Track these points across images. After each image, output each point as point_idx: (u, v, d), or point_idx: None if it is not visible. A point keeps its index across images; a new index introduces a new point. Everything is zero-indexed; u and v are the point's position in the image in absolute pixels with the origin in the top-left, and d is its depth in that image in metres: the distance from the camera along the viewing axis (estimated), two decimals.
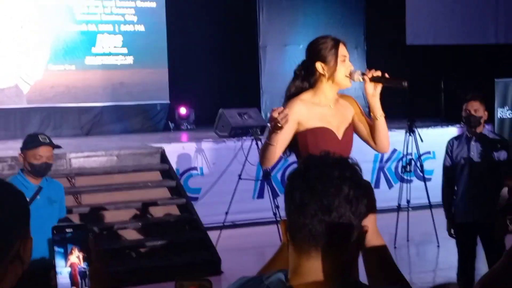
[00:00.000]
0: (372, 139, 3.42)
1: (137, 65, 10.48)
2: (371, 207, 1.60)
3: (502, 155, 5.20)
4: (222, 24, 11.81)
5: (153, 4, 10.62)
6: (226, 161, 8.16)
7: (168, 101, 10.69)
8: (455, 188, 5.34)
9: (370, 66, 10.92)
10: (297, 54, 11.20)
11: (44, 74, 9.97)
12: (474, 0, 11.88)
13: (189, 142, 8.57)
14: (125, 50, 10.46)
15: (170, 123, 10.65)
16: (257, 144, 7.56)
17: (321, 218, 1.46)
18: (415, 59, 11.54)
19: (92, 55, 10.26)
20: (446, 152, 5.36)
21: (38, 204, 4.04)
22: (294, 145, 3.33)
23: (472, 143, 5.21)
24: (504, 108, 9.32)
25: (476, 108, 5.17)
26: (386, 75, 3.33)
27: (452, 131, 8.97)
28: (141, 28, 10.56)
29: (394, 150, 8.72)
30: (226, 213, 7.32)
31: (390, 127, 9.15)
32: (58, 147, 4.36)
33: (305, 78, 3.36)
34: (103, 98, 10.31)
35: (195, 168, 8.18)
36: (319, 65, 3.30)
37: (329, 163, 1.53)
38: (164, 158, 7.72)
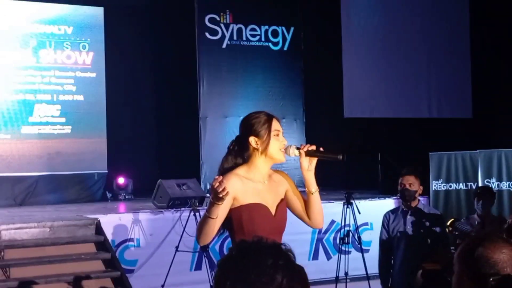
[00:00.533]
0: (306, 214, 3.39)
1: (75, 135, 10.35)
2: None
3: (437, 229, 5.29)
4: (163, 94, 11.87)
5: (93, 75, 10.60)
6: (163, 232, 8.02)
7: (106, 171, 10.54)
8: (392, 261, 5.38)
9: (309, 138, 11.05)
10: (237, 126, 11.25)
11: None
12: (408, 75, 12.32)
13: (126, 213, 8.40)
14: (63, 120, 10.34)
15: (107, 193, 10.48)
16: (195, 215, 7.48)
17: None
18: (353, 132, 11.79)
19: (29, 125, 10.10)
20: (383, 225, 5.42)
21: None
22: (228, 221, 3.25)
23: (408, 217, 5.29)
24: (438, 181, 9.53)
25: (411, 182, 5.28)
26: (321, 149, 3.33)
27: (388, 203, 9.09)
28: (80, 97, 10.49)
29: (333, 222, 8.75)
30: (162, 286, 7.14)
31: (328, 198, 9.21)
32: None
33: (239, 153, 3.34)
34: (38, 168, 10.09)
35: (131, 240, 8.00)
36: (252, 140, 3.29)
37: (262, 251, 1.50)
38: (99, 229, 7.53)
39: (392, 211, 5.49)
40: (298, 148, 3.32)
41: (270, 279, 1.46)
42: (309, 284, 1.63)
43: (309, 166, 3.31)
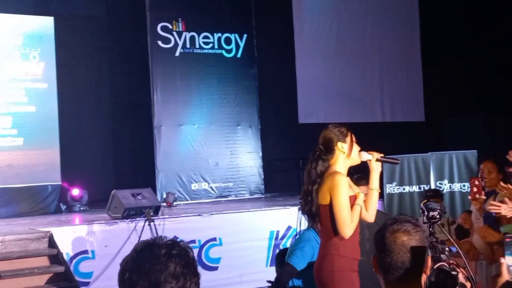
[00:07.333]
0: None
1: (27, 146, 10.17)
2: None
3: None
4: (116, 104, 11.77)
5: (45, 85, 10.44)
6: (119, 243, 7.93)
7: (59, 183, 10.38)
8: None
9: (264, 144, 10.94)
10: (192, 133, 11.27)
11: None
12: (362, 80, 12.48)
13: (80, 225, 8.30)
14: (14, 132, 10.15)
15: (61, 205, 10.32)
16: (149, 225, 7.44)
17: None
18: (308, 138, 11.84)
19: None
20: None
21: None
22: (325, 217, 3.95)
23: None
24: (392, 184, 9.66)
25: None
26: (383, 155, 4.13)
27: None
28: (31, 108, 10.32)
29: (289, 227, 8.78)
30: None
31: (284, 204, 9.21)
32: None
33: (326, 157, 3.98)
34: None
35: (86, 252, 7.90)
36: (340, 145, 3.98)
37: (157, 245, 1.67)
38: (52, 242, 7.41)
39: None
40: (370, 153, 4.06)
41: (163, 266, 1.60)
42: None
43: (378, 168, 4.07)
